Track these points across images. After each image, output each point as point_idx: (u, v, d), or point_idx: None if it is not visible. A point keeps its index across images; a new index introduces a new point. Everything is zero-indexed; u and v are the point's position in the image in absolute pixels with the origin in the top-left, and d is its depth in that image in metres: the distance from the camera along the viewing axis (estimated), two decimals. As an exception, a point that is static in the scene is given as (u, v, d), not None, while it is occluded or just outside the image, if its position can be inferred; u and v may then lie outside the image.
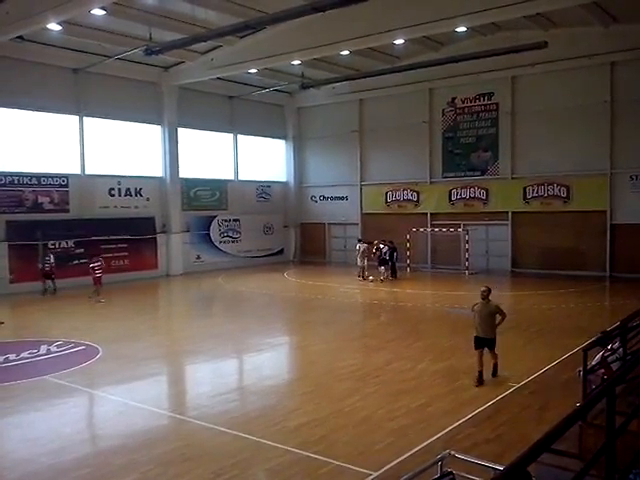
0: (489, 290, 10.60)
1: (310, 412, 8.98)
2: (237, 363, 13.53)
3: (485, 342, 10.45)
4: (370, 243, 26.09)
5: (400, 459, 7.03)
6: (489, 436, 7.81)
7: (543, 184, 26.48)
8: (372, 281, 24.22)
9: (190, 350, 13.85)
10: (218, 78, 27.26)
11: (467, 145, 28.53)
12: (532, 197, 26.84)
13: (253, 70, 26.11)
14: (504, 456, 6.26)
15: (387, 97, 30.13)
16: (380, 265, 24.44)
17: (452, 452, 4.98)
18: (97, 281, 20.76)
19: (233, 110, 31.05)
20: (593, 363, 7.62)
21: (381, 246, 25.30)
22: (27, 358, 12.45)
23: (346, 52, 24.34)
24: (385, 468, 6.79)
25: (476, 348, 10.51)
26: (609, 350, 7.98)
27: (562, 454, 4.72)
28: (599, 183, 25.16)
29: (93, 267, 20.92)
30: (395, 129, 30.22)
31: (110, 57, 23.63)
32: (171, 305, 21.77)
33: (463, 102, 28.47)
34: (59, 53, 23.19)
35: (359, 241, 26.67)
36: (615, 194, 24.93)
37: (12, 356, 12.50)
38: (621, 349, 7.86)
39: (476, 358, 10.47)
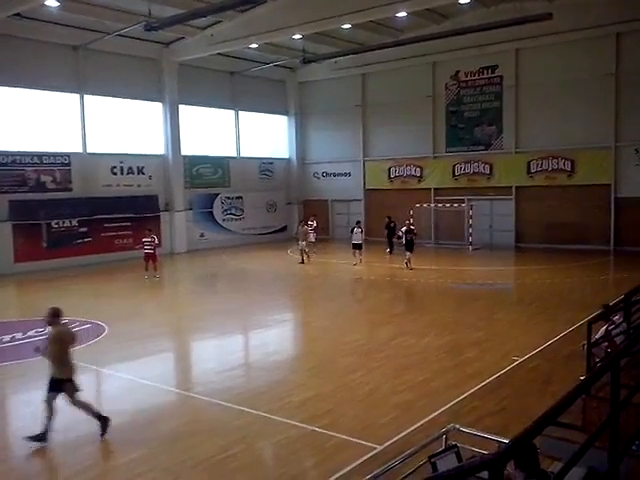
0: (53, 312, 7.51)
1: (315, 387, 9.06)
2: (243, 340, 13.63)
3: (58, 384, 7.37)
4: (307, 224, 25.09)
5: (405, 433, 7.10)
6: (493, 409, 7.87)
7: (547, 158, 26.30)
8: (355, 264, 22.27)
9: (196, 327, 13.94)
10: (219, 54, 26.95)
11: (471, 119, 28.29)
12: (536, 171, 26.69)
13: (254, 45, 25.82)
14: (508, 429, 6.30)
15: (390, 71, 29.81)
16: (407, 250, 21.31)
17: (457, 425, 5.03)
18: (148, 257, 20.05)
19: (234, 86, 30.79)
20: (597, 336, 7.65)
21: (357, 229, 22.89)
22: (34, 337, 12.53)
23: (348, 25, 24.01)
24: (390, 442, 6.85)
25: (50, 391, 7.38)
26: (613, 323, 8.01)
27: (566, 426, 4.75)
28: (604, 156, 24.98)
29: (144, 242, 20.22)
30: (398, 104, 29.94)
31: (110, 34, 23.37)
32: (176, 283, 21.84)
33: (467, 76, 28.15)
34: (58, 30, 22.93)
35: (301, 222, 25.34)
36: (620, 167, 24.77)
37: (19, 335, 12.59)
38: (625, 322, 7.89)
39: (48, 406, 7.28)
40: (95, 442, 7.31)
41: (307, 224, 25.22)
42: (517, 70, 26.69)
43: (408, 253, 21.27)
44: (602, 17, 23.40)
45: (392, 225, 26.25)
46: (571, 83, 25.12)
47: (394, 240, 24.03)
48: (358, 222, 24.51)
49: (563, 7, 23.49)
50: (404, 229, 22.00)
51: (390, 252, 25.37)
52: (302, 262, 23.20)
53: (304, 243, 23.52)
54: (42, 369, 10.35)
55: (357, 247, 22.72)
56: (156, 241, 20.79)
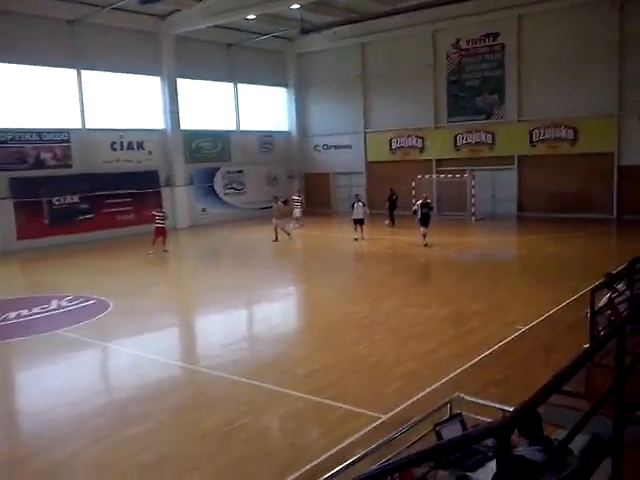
0: None
1: (320, 359, 9.12)
2: (247, 313, 13.71)
3: None
4: (285, 202, 23.70)
5: (409, 402, 7.16)
6: (497, 378, 7.93)
7: (550, 126, 26.07)
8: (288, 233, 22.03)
9: (200, 302, 14.02)
10: (216, 26, 26.58)
11: (472, 88, 27.97)
12: (539, 140, 26.49)
13: (251, 16, 25.43)
14: (512, 397, 6.33)
15: (390, 40, 29.37)
16: (422, 225, 19.98)
17: (461, 394, 5.06)
18: (158, 232, 20.09)
19: (232, 58, 30.41)
20: (600, 305, 7.66)
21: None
22: (39, 313, 12.62)
23: (347, -6, 23.63)
24: (395, 411, 6.91)
25: None
26: (616, 292, 8.02)
27: (569, 394, 4.78)
28: (607, 124, 24.75)
29: (154, 215, 20.37)
30: (398, 73, 29.57)
31: (105, 7, 23.02)
32: (179, 258, 21.87)
33: (468, 44, 27.74)
34: (53, 4, 22.54)
35: (276, 199, 23.58)
36: (623, 135, 24.55)
37: (24, 312, 12.66)
38: (628, 290, 7.89)
39: None
40: (103, 415, 7.39)
41: (284, 201, 23.77)
42: (519, 37, 26.27)
43: (424, 228, 19.90)
44: (606, -19, 22.98)
45: (394, 197, 26.21)
46: (574, 50, 24.73)
47: (413, 216, 21.92)
48: (357, 195, 23.54)
49: (566, -29, 23.07)
50: (420, 202, 20.43)
51: (392, 224, 25.37)
52: (276, 239, 21.95)
53: (279, 221, 22.25)
54: (48, 344, 10.48)
55: (359, 222, 21.80)
56: (166, 214, 20.81)
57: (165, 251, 20.34)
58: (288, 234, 22.28)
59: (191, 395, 8.13)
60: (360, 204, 22.06)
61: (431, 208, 20.60)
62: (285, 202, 24.38)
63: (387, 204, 26.11)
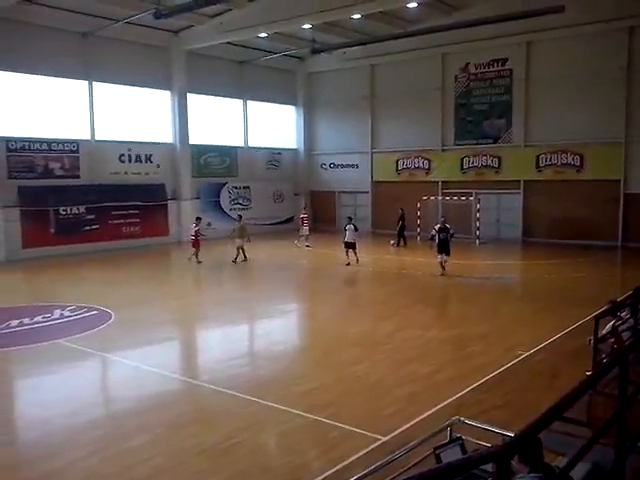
0: None
1: (320, 377, 9.08)
2: (248, 329, 13.67)
3: None
4: (241, 219, 22.60)
5: (409, 424, 7.10)
6: (498, 403, 7.87)
7: (556, 152, 26.15)
8: (243, 260, 21.48)
9: (202, 316, 14.00)
10: (228, 43, 26.91)
11: (480, 112, 28.12)
12: (545, 165, 26.55)
13: (263, 34, 25.74)
14: (513, 422, 6.29)
15: (399, 62, 29.65)
16: (440, 252, 18.37)
17: (461, 418, 5.02)
18: (193, 244, 21.21)
19: (243, 75, 30.72)
20: (603, 332, 7.62)
21: (436, 227, 18.87)
22: (41, 322, 12.62)
23: (358, 16, 23.87)
24: (394, 433, 6.85)
25: None
26: (620, 319, 7.98)
27: (570, 421, 4.74)
28: (613, 151, 24.80)
29: (197, 231, 21.35)
30: (407, 95, 29.79)
31: (119, 21, 23.33)
32: (183, 271, 21.88)
33: (476, 68, 27.96)
34: (67, 17, 22.86)
35: (240, 217, 23.01)
36: (629, 163, 24.59)
37: (26, 320, 12.66)
38: (632, 319, 7.86)
39: None
40: (100, 427, 7.36)
41: (242, 219, 23.02)
42: (528, 63, 26.47)
43: (442, 256, 18.30)
44: (614, 11, 23.14)
45: (405, 218, 26.27)
46: (582, 77, 24.90)
47: (430, 241, 20.94)
48: (350, 218, 21.79)
49: (575, 0, 23.24)
50: (437, 227, 18.74)
51: (397, 245, 25.38)
52: (234, 261, 21.36)
53: (241, 240, 21.54)
54: (49, 354, 10.46)
55: (350, 246, 20.32)
56: (199, 228, 21.75)
57: (189, 259, 21.14)
58: (245, 256, 21.65)
59: (190, 409, 8.09)
60: (352, 227, 20.52)
61: (451, 234, 18.43)
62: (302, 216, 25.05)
63: (399, 224, 25.95)
